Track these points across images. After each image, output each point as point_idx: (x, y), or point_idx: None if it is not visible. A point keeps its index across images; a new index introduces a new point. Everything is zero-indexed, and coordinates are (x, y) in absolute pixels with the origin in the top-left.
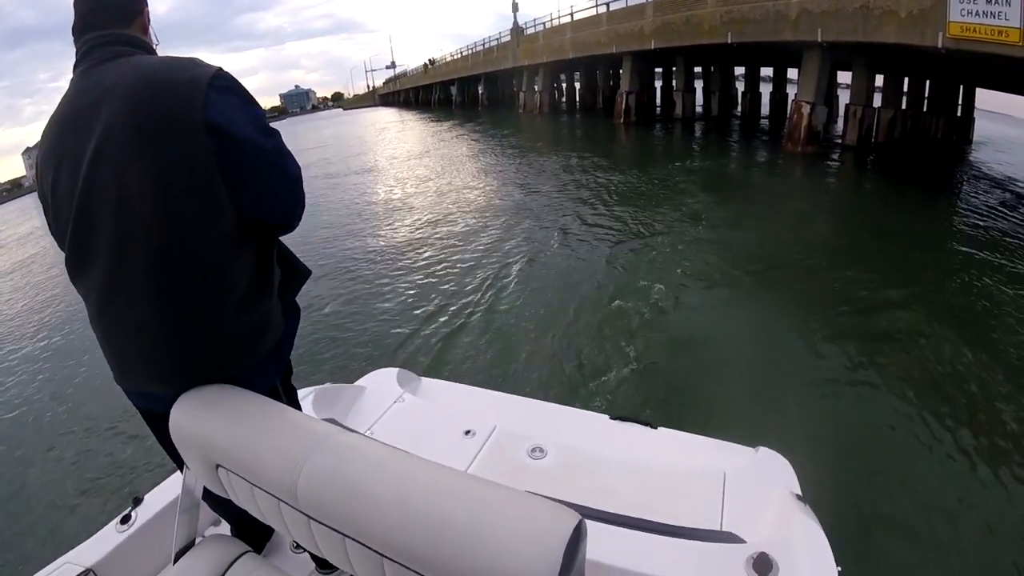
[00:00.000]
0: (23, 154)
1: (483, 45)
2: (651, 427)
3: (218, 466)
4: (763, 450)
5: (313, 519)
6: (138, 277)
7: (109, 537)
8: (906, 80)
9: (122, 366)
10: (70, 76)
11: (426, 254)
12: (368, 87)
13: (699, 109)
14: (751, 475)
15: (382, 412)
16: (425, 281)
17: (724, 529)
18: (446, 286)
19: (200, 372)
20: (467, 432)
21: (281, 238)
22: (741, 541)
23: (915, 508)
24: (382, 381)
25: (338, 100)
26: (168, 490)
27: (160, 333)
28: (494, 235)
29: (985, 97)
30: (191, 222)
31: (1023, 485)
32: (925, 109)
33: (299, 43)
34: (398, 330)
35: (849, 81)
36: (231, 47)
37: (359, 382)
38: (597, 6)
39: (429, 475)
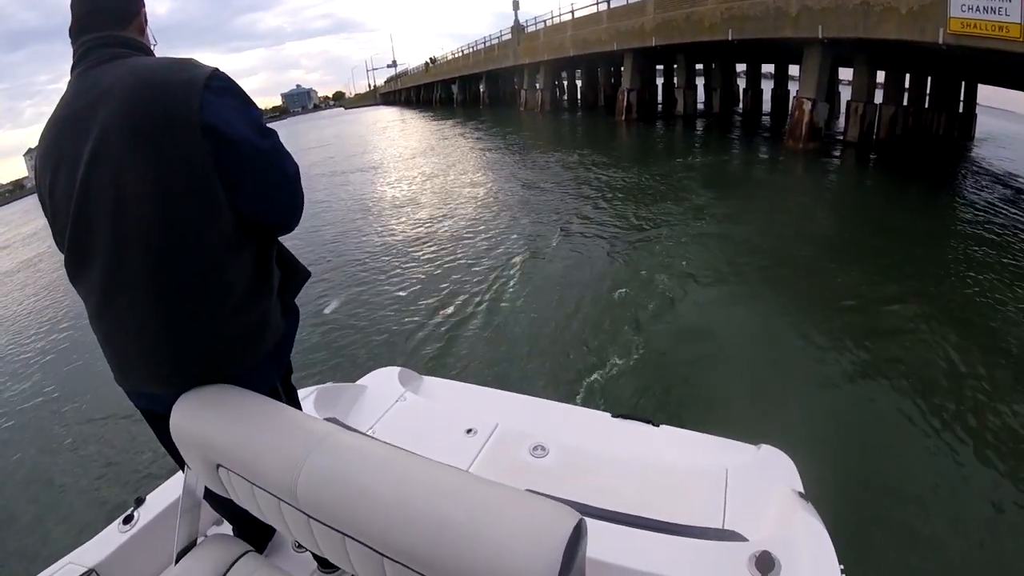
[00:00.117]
0: (25, 155)
1: (484, 43)
2: (653, 425)
3: (218, 466)
4: (765, 447)
5: (313, 518)
6: (137, 278)
7: (111, 537)
8: (907, 76)
9: (122, 366)
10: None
11: (430, 251)
12: (369, 86)
13: (701, 106)
14: (753, 472)
15: (384, 411)
16: (429, 278)
17: (726, 527)
18: (450, 283)
19: (200, 372)
20: (469, 431)
21: (281, 239)
22: (743, 539)
23: (918, 506)
24: (383, 380)
25: (339, 99)
26: (170, 490)
27: (160, 333)
28: (498, 231)
29: (987, 93)
30: (189, 223)
31: None
32: (927, 105)
33: (299, 43)
34: (401, 328)
35: (851, 78)
36: (231, 47)
37: (360, 381)
38: (598, 3)
39: (429, 474)
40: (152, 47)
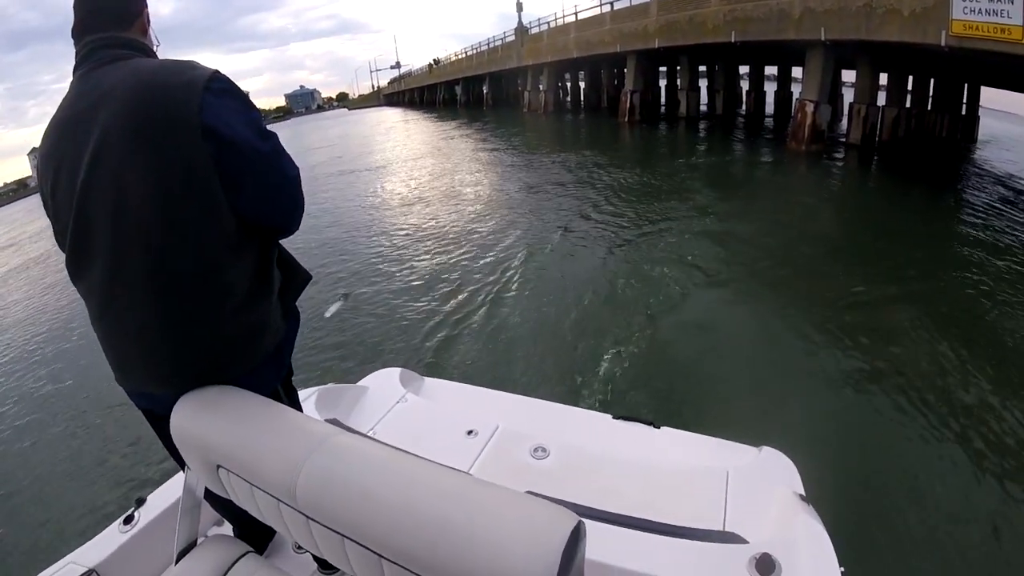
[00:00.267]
0: (29, 155)
1: (488, 45)
2: (654, 426)
3: (218, 467)
4: (766, 449)
5: (312, 520)
6: (137, 278)
7: (112, 537)
8: (910, 79)
9: (123, 366)
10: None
11: (436, 250)
12: (373, 87)
13: (703, 108)
14: (754, 475)
15: (384, 412)
16: (434, 277)
17: (727, 529)
18: (455, 282)
19: (200, 373)
20: (470, 432)
21: (282, 242)
22: (744, 541)
23: (919, 508)
24: (384, 381)
25: (343, 100)
26: (171, 490)
27: (160, 333)
28: (502, 231)
29: (990, 95)
30: (190, 223)
31: None
32: (929, 107)
33: (303, 44)
34: (404, 328)
35: (853, 80)
36: (235, 48)
37: (361, 382)
38: (601, 5)
39: (428, 476)
40: (155, 48)
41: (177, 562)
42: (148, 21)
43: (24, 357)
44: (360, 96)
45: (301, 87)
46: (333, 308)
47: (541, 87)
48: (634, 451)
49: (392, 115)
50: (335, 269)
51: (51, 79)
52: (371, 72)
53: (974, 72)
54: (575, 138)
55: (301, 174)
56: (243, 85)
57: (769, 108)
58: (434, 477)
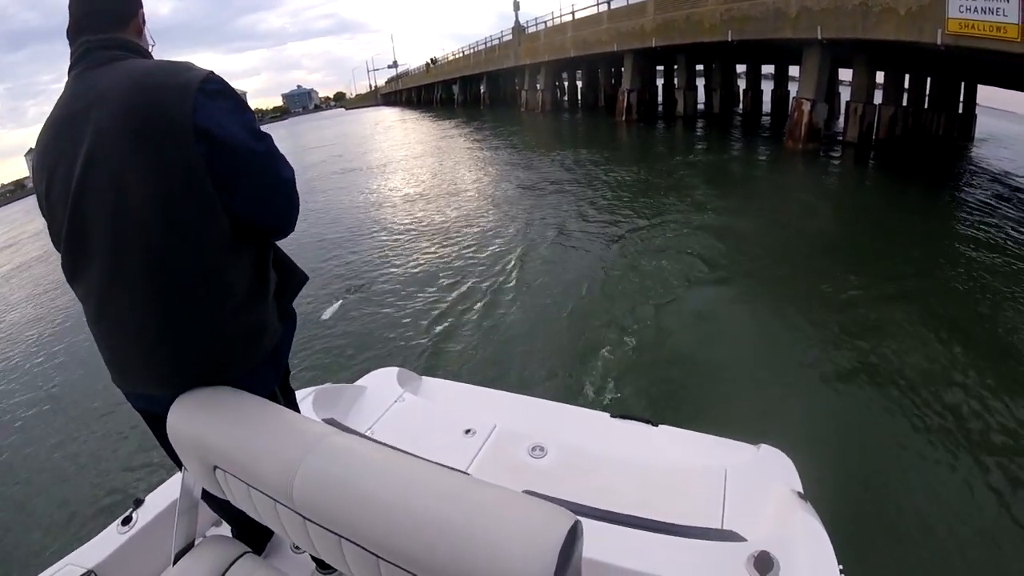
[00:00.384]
0: (26, 155)
1: (485, 44)
2: (652, 425)
3: (215, 467)
4: (764, 447)
5: (309, 520)
6: (137, 278)
7: (110, 539)
8: (907, 77)
9: (121, 367)
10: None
11: (434, 249)
12: (370, 87)
13: (701, 107)
14: (752, 472)
15: (382, 412)
16: (434, 276)
17: (725, 527)
18: (454, 279)
19: (199, 373)
20: (467, 431)
21: (280, 243)
22: (742, 539)
23: (918, 507)
24: (382, 381)
25: (340, 100)
26: (168, 491)
27: (160, 334)
28: (501, 230)
29: (987, 93)
30: (189, 224)
31: None
32: (926, 106)
33: (301, 43)
34: (402, 328)
35: (850, 78)
36: (233, 48)
37: (359, 382)
38: (598, 4)
39: (424, 476)
40: (150, 48)
41: (175, 563)
42: (143, 22)
43: (33, 354)
44: (357, 96)
45: (298, 87)
46: (331, 310)
47: (538, 86)
48: (632, 449)
49: (389, 115)
50: (334, 269)
51: (51, 79)
52: (368, 72)
53: (971, 70)
54: (573, 137)
55: (298, 174)
56: (240, 85)
57: (766, 107)
58: (431, 477)
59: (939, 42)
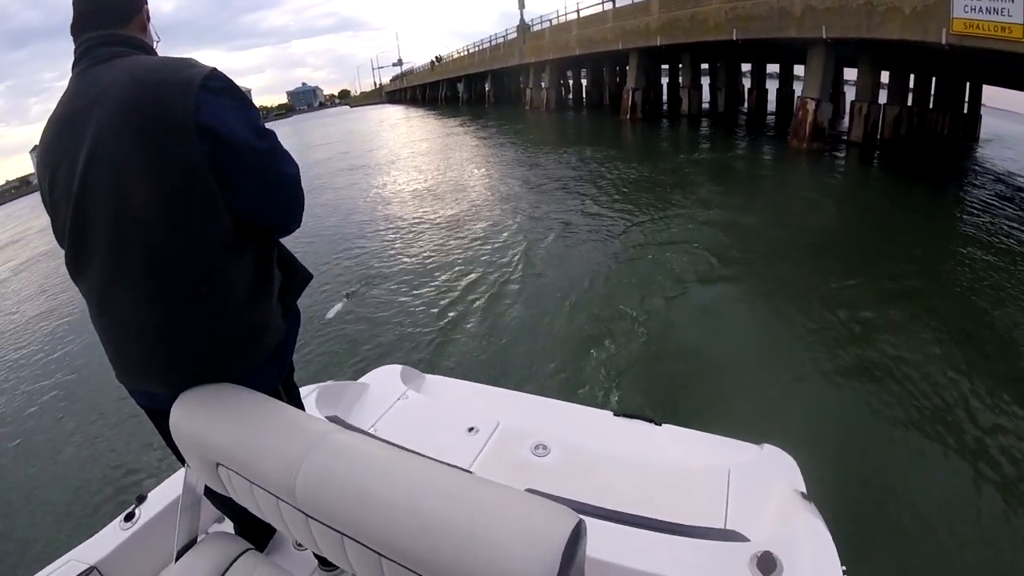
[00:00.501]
0: (31, 152)
1: (490, 42)
2: (655, 423)
3: (218, 464)
4: (768, 447)
5: (312, 518)
6: (137, 277)
7: (113, 535)
8: (912, 77)
9: (123, 364)
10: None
11: (442, 244)
12: (375, 84)
13: (705, 106)
14: (756, 472)
15: (386, 409)
16: (439, 271)
17: (728, 527)
18: (460, 274)
19: (200, 372)
20: (470, 429)
21: (283, 241)
22: (745, 539)
23: (920, 507)
24: (386, 378)
25: (345, 98)
26: (172, 488)
27: (160, 333)
28: (508, 225)
29: (992, 94)
30: (191, 223)
31: None
32: (931, 106)
33: (305, 41)
34: (406, 325)
35: (855, 78)
36: (236, 46)
37: (363, 379)
38: (603, 3)
39: (427, 474)
40: (155, 44)
41: (177, 559)
42: (148, 17)
43: (44, 346)
44: (362, 93)
45: (303, 84)
46: (335, 309)
47: (543, 84)
48: (635, 448)
49: (394, 112)
50: (338, 266)
51: (53, 76)
52: (373, 69)
53: (976, 70)
54: (578, 135)
55: (304, 172)
56: (245, 83)
57: (771, 106)
58: (434, 475)
59: (944, 42)
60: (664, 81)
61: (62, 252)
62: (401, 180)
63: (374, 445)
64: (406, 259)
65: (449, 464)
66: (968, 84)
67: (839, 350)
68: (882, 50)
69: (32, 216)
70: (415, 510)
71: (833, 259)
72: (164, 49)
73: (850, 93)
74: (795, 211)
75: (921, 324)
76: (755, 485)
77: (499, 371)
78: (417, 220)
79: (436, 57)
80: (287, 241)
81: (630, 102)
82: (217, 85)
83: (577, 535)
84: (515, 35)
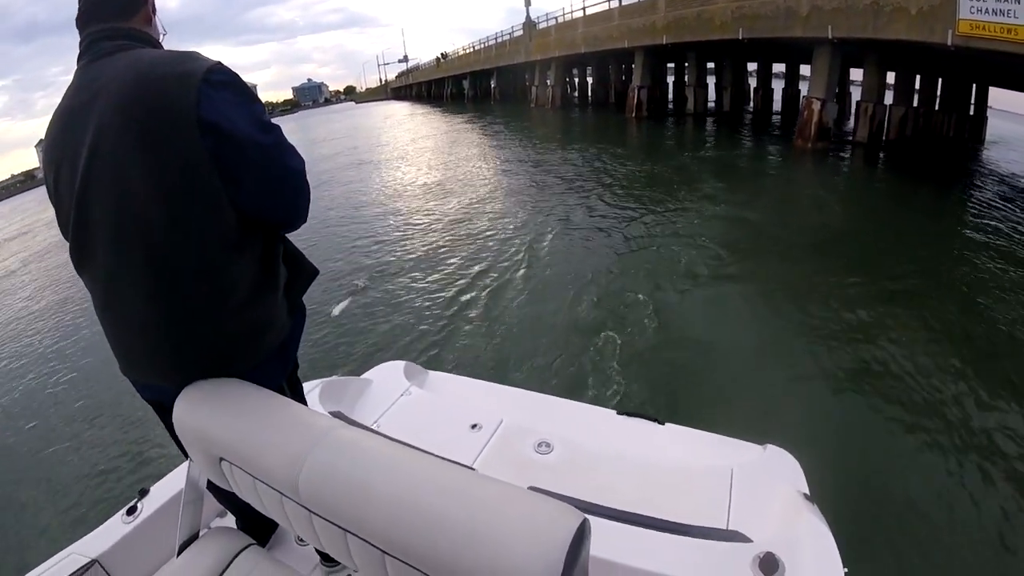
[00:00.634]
0: (36, 146)
1: (496, 39)
2: (658, 423)
3: (221, 459)
4: (771, 448)
5: (315, 514)
6: (138, 274)
7: (115, 528)
8: (918, 78)
9: (127, 358)
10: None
11: (449, 238)
12: (380, 81)
13: (711, 105)
14: (759, 473)
15: (389, 405)
16: (446, 265)
17: (730, 527)
18: (466, 266)
19: (203, 368)
20: (473, 426)
21: (290, 236)
22: (747, 540)
23: (924, 510)
24: (389, 374)
25: (350, 94)
26: (174, 482)
27: (162, 330)
28: (515, 219)
29: (998, 96)
30: (192, 220)
31: None
32: (937, 107)
33: (311, 37)
34: (410, 321)
35: (861, 78)
36: (242, 41)
37: (366, 375)
38: (609, 1)
39: (432, 471)
40: (161, 37)
41: (179, 554)
42: (154, 10)
43: (55, 337)
44: (368, 90)
45: (309, 80)
46: (341, 305)
47: (549, 82)
48: (638, 447)
49: (400, 109)
50: (345, 260)
51: (59, 71)
52: (379, 66)
53: (982, 72)
54: (583, 133)
55: (309, 167)
56: (251, 78)
57: (776, 105)
58: (438, 472)
59: (949, 43)
60: (670, 80)
61: (67, 245)
62: (408, 175)
63: (378, 441)
64: (413, 254)
65: (452, 461)
66: (975, 86)
67: (841, 349)
68: (888, 50)
69: (39, 209)
70: (419, 507)
71: (836, 258)
72: (168, 45)
73: (856, 93)
74: (800, 210)
75: (924, 324)
76: (758, 486)
77: (504, 364)
78: (424, 215)
79: (441, 54)
80: (294, 236)
81: (635, 100)
82: (220, 79)
83: (582, 534)
84: (521, 32)
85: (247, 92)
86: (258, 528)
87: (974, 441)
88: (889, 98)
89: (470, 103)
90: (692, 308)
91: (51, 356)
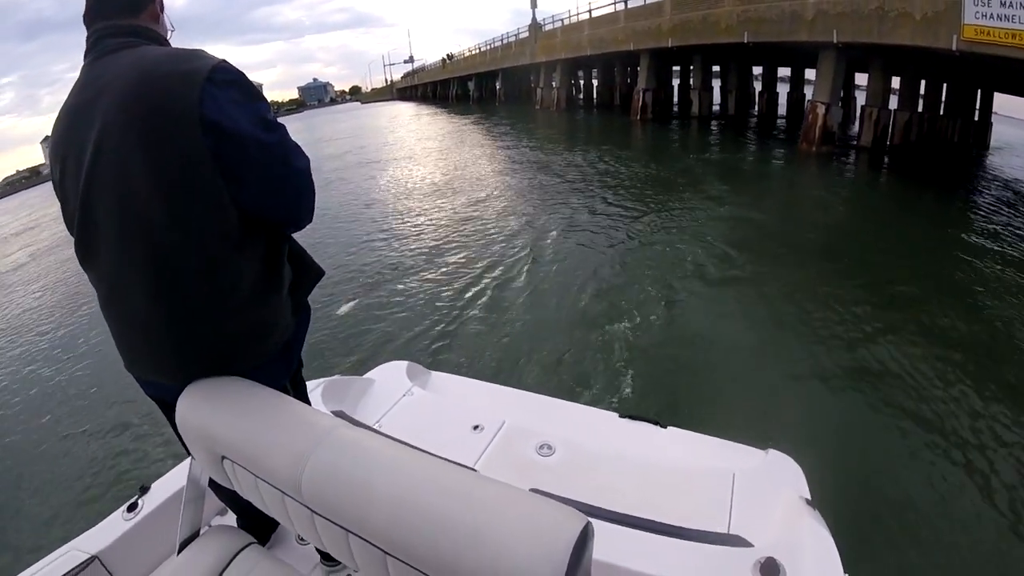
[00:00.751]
0: (42, 143)
1: (501, 41)
2: (660, 426)
3: (223, 457)
4: (773, 452)
5: (317, 513)
6: (140, 272)
7: (115, 525)
8: (923, 83)
9: (131, 355)
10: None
11: (456, 239)
12: (386, 81)
13: (716, 108)
14: (760, 477)
15: (391, 405)
16: (450, 264)
17: (732, 531)
18: (471, 266)
19: (205, 367)
20: (475, 427)
21: (296, 236)
22: (748, 545)
23: (926, 516)
24: (391, 374)
25: (356, 94)
26: (175, 479)
27: (164, 329)
28: (521, 220)
29: (1003, 102)
30: (193, 220)
31: None
32: (942, 112)
33: (317, 36)
34: (413, 321)
35: (866, 82)
36: (247, 40)
37: (368, 375)
38: (615, 3)
39: (434, 472)
40: (169, 34)
41: (179, 552)
42: (161, 7)
43: (64, 332)
44: (373, 90)
45: (314, 80)
46: (348, 306)
47: (554, 84)
48: (640, 450)
49: (405, 109)
50: (351, 259)
51: (64, 68)
52: (384, 66)
53: (987, 77)
54: (588, 135)
55: (315, 167)
56: (256, 77)
57: (781, 109)
58: (441, 473)
59: (954, 48)
60: (675, 83)
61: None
62: (415, 175)
63: (380, 442)
64: (419, 253)
65: (454, 462)
66: (979, 91)
67: (843, 353)
68: (893, 55)
69: (45, 204)
70: (420, 508)
71: (839, 261)
72: (174, 43)
73: (861, 98)
74: (804, 213)
75: (926, 327)
76: (760, 490)
77: (507, 363)
78: (431, 214)
79: (448, 55)
80: (302, 236)
81: (641, 103)
82: (224, 78)
83: (585, 537)
84: (527, 34)
85: (252, 91)
86: (259, 527)
87: (974, 442)
88: (894, 103)
89: (475, 104)
90: (696, 307)
91: (59, 350)
